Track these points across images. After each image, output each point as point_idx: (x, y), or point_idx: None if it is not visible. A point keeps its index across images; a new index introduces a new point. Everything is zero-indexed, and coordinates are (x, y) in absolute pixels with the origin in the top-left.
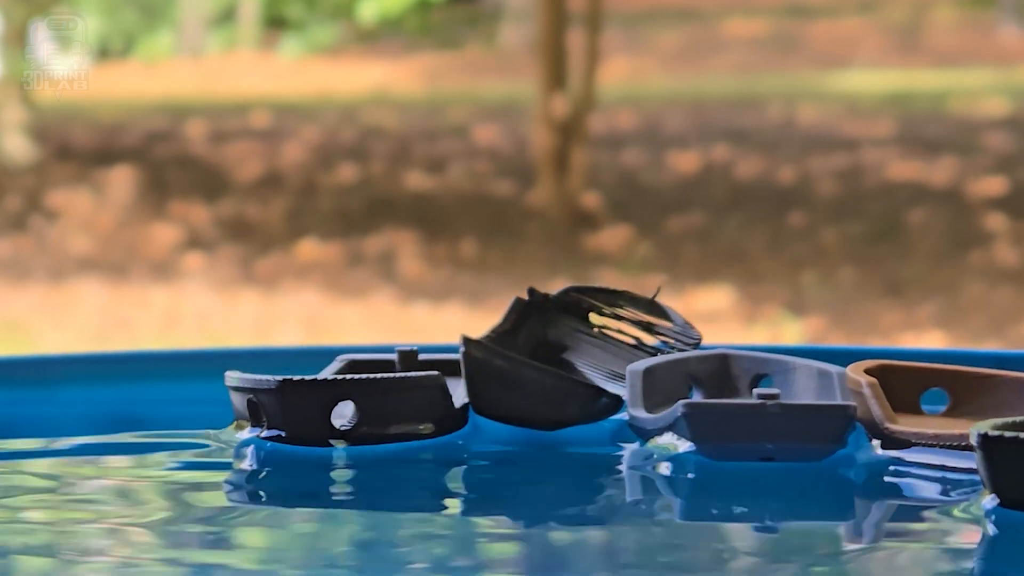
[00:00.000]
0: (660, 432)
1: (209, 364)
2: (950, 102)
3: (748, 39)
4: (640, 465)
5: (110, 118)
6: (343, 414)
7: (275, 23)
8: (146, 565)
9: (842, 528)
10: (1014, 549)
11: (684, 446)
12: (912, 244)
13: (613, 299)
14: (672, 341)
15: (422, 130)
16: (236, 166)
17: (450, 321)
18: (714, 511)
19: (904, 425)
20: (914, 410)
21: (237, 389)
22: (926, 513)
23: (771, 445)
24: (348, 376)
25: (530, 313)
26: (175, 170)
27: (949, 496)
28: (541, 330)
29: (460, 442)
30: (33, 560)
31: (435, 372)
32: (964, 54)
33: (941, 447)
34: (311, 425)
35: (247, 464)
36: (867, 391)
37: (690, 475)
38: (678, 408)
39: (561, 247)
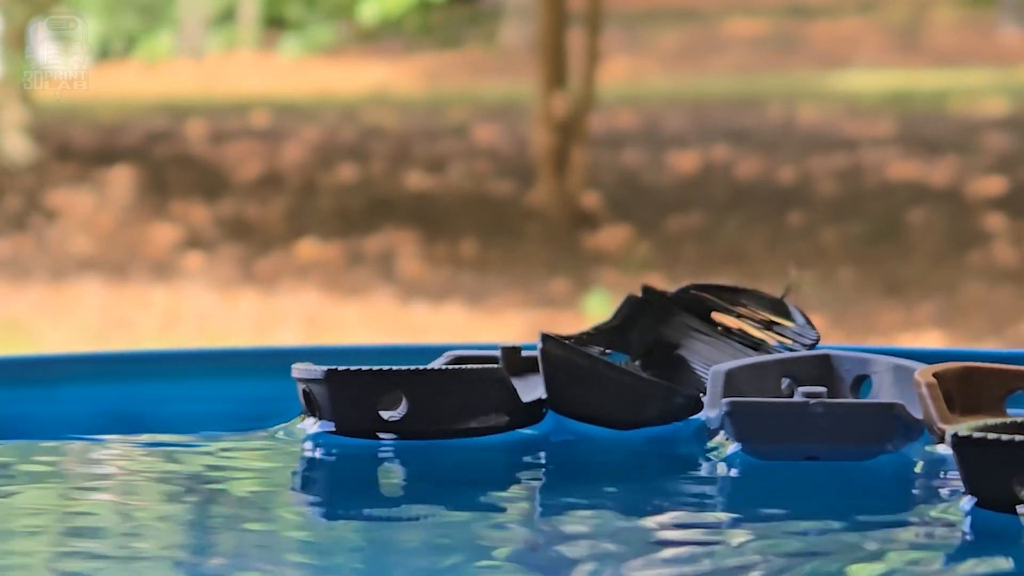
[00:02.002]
0: (718, 431)
1: (209, 364)
2: (950, 102)
3: (748, 39)
4: (697, 464)
5: (110, 118)
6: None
7: (275, 23)
8: (147, 566)
9: (817, 526)
10: (988, 550)
11: (732, 446)
12: (912, 244)
13: (735, 297)
14: (788, 341)
15: (422, 130)
16: (236, 166)
17: (450, 321)
18: (740, 510)
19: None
20: (998, 412)
21: (298, 380)
22: (907, 514)
23: (815, 445)
24: (396, 368)
25: (644, 310)
26: (175, 170)
27: (944, 496)
28: (654, 328)
29: (535, 435)
30: (33, 560)
31: (495, 366)
32: (964, 54)
33: None
34: (359, 416)
35: (246, 459)
36: (924, 391)
37: (733, 473)
38: (723, 407)
39: (561, 247)
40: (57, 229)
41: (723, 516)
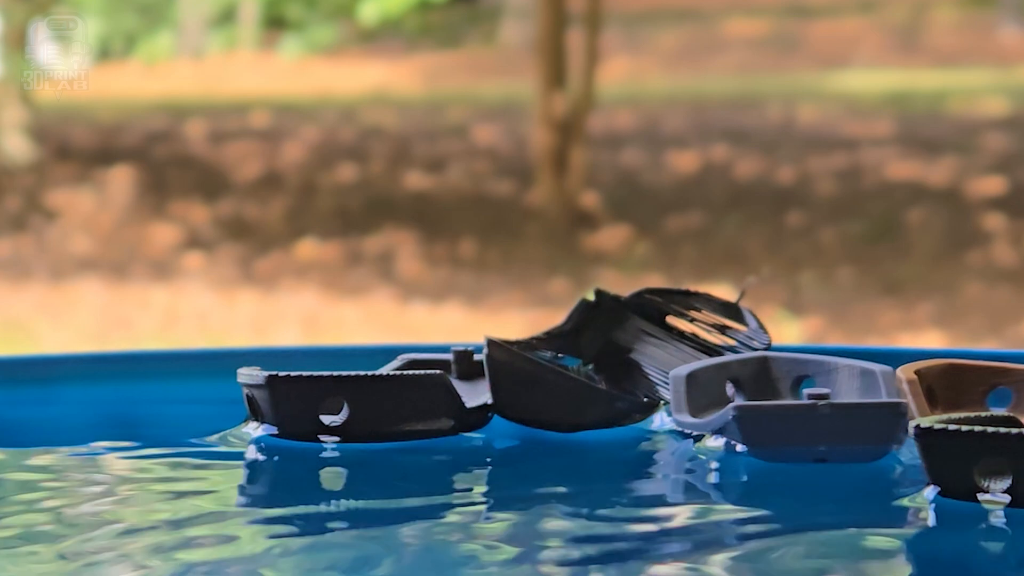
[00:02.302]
0: (711, 434)
1: (209, 364)
2: (950, 102)
3: (748, 39)
4: (682, 467)
5: (110, 118)
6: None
7: (275, 23)
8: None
9: (788, 520)
10: (951, 537)
11: (732, 447)
12: (911, 244)
13: (688, 301)
14: (739, 344)
15: (422, 130)
16: (236, 166)
17: (449, 321)
18: (730, 502)
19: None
20: (980, 408)
21: (242, 385)
22: (872, 504)
23: (823, 446)
24: (337, 373)
25: (596, 315)
26: (175, 170)
27: (911, 486)
28: (606, 332)
29: (480, 440)
30: (34, 560)
31: (438, 372)
32: (964, 54)
33: None
34: (300, 421)
35: (247, 459)
36: (905, 387)
37: (715, 470)
38: (728, 411)
39: (560, 247)
40: (57, 229)
41: (675, 511)
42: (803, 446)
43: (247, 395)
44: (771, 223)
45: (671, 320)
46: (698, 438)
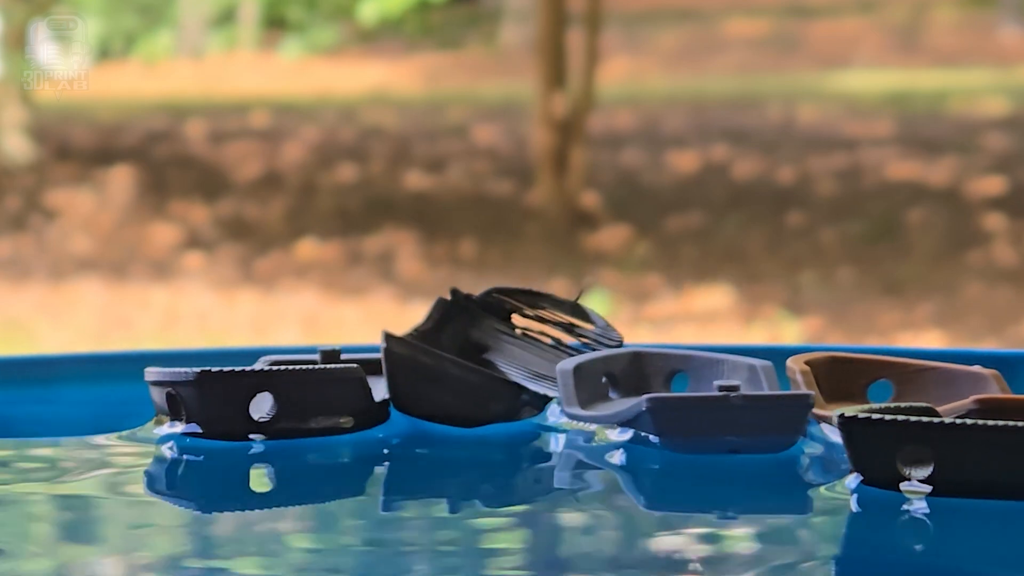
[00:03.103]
0: (617, 427)
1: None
2: (950, 102)
3: (748, 39)
4: (578, 458)
5: (110, 118)
6: (261, 408)
7: (275, 23)
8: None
9: (705, 511)
10: (874, 524)
11: (642, 439)
12: (911, 244)
13: (535, 300)
14: (593, 342)
15: (422, 130)
16: (236, 166)
17: None
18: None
19: (825, 411)
20: (861, 400)
21: (157, 384)
22: (795, 493)
23: (735, 437)
24: (267, 368)
25: (453, 313)
26: (175, 170)
27: (828, 475)
28: (464, 330)
29: (380, 436)
30: (34, 559)
31: (355, 365)
32: (964, 54)
33: None
34: (229, 419)
35: (167, 459)
36: (799, 378)
37: (619, 463)
38: (642, 403)
39: (560, 247)
40: (57, 229)
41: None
42: (716, 437)
43: (170, 393)
44: (771, 223)
45: (517, 319)
46: (588, 432)
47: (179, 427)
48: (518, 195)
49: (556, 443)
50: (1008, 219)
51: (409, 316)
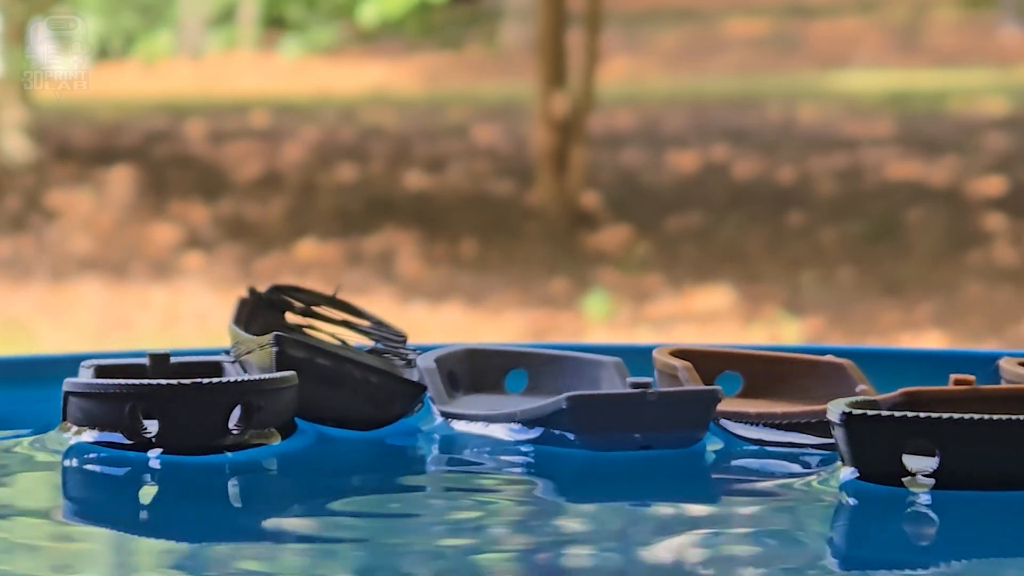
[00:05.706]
0: (520, 424)
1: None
2: (950, 102)
3: (748, 39)
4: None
5: (110, 118)
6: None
7: (275, 23)
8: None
9: (702, 508)
10: (872, 516)
11: (554, 437)
12: (911, 244)
13: (309, 298)
14: (375, 338)
15: (422, 130)
16: (236, 166)
17: (449, 321)
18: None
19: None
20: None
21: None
22: (786, 489)
23: (649, 433)
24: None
25: (255, 310)
26: (175, 170)
27: (805, 471)
28: (268, 327)
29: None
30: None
31: (291, 372)
32: (964, 54)
33: (765, 425)
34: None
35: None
36: (682, 374)
37: (504, 458)
38: (561, 401)
39: (560, 246)
40: (57, 229)
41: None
42: (630, 433)
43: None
44: (771, 223)
45: (291, 316)
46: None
47: (87, 435)
48: (518, 195)
49: (430, 445)
50: (1008, 219)
51: (409, 316)
